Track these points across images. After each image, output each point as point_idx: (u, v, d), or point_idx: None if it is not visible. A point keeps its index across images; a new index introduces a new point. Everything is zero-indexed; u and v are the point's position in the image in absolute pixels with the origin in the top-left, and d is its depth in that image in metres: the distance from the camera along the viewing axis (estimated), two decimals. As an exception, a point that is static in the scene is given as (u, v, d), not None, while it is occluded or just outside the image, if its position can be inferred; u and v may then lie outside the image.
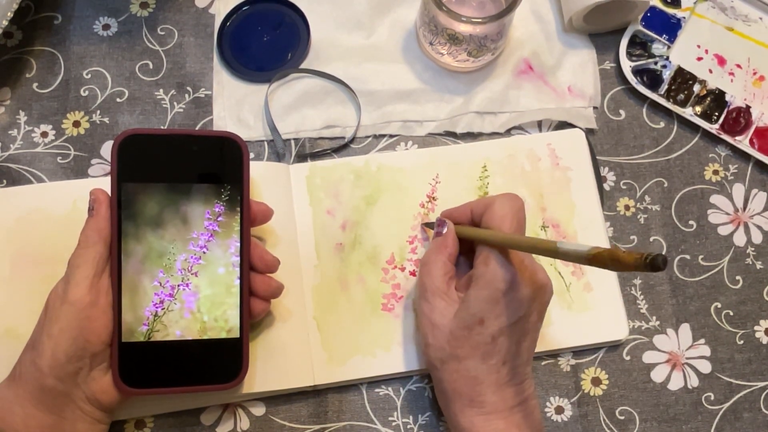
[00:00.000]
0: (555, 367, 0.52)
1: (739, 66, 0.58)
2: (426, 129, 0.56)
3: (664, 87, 0.57)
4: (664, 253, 0.54)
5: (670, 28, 0.58)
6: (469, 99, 0.57)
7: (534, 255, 0.44)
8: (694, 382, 0.52)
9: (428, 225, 0.52)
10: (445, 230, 0.48)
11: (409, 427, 0.50)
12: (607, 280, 0.52)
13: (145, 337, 0.43)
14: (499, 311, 0.42)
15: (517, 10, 0.51)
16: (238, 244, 0.44)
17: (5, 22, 0.51)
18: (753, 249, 0.55)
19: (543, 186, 0.54)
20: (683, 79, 0.57)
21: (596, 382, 0.52)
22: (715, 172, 0.57)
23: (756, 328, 0.54)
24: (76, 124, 0.55)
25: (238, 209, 0.44)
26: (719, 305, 0.54)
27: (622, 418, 0.51)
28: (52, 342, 0.40)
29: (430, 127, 0.56)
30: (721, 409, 0.52)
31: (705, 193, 0.56)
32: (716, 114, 0.57)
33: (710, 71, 0.58)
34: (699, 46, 0.59)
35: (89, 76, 0.56)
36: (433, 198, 0.54)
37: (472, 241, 0.47)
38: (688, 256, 0.55)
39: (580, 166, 0.55)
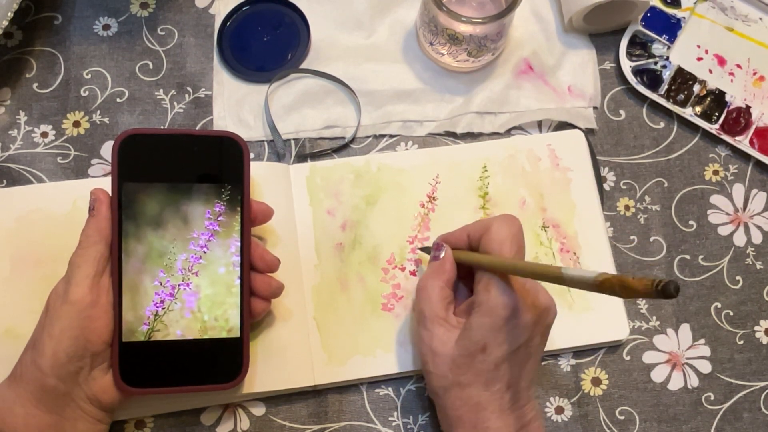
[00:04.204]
0: (555, 367, 0.52)
1: (739, 66, 0.59)
2: (426, 129, 0.56)
3: (664, 87, 0.57)
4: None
5: (670, 28, 0.58)
6: (469, 99, 0.57)
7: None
8: (694, 382, 0.52)
9: (424, 250, 0.52)
10: (442, 254, 0.46)
11: (409, 427, 0.50)
12: (607, 280, 0.52)
13: (146, 337, 0.43)
14: (502, 339, 0.41)
15: (517, 10, 0.51)
16: (239, 244, 0.44)
17: (5, 23, 0.51)
18: (753, 249, 0.55)
19: (543, 186, 0.54)
20: (683, 79, 0.57)
21: (596, 382, 0.52)
22: (715, 172, 0.57)
23: (756, 328, 0.54)
24: (76, 124, 0.55)
25: (239, 209, 0.44)
26: (719, 305, 0.54)
27: (622, 418, 0.51)
28: (53, 342, 0.40)
29: (430, 127, 0.56)
30: (721, 409, 0.52)
31: (705, 193, 0.56)
32: (716, 114, 0.57)
33: (710, 71, 0.58)
34: (699, 46, 0.59)
35: (89, 76, 0.56)
36: (433, 198, 0.54)
37: (469, 266, 0.46)
38: (688, 256, 0.55)
39: (580, 166, 0.55)
